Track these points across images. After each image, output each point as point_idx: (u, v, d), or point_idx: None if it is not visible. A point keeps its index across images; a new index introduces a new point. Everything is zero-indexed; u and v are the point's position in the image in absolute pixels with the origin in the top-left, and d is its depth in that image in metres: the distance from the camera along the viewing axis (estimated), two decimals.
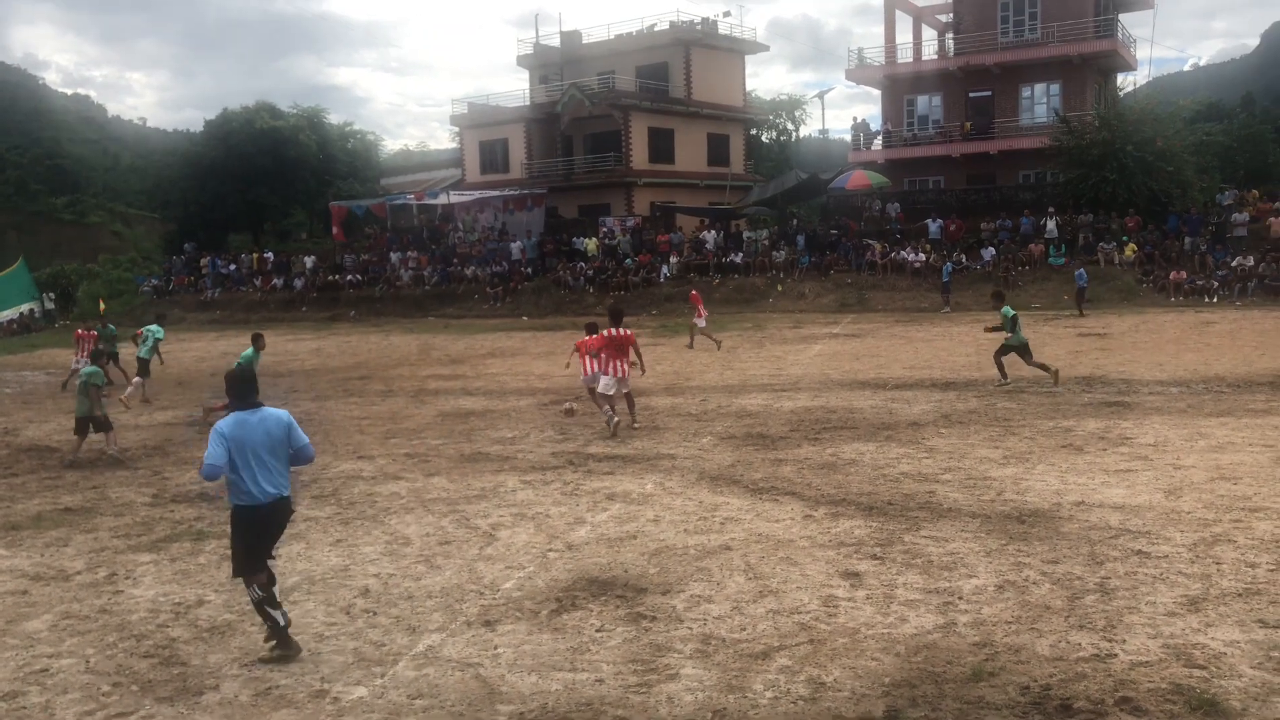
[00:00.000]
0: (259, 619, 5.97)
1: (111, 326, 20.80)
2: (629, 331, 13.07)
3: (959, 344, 21.68)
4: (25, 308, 47.89)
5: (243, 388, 6.02)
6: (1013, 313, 15.69)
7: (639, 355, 13.34)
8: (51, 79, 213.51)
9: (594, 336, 13.57)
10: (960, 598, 6.36)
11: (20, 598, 7.17)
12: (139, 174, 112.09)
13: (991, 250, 33.62)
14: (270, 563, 6.07)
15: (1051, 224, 33.58)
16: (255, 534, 5.95)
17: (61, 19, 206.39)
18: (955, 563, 7.05)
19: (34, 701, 5.40)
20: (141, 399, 17.83)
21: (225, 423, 5.87)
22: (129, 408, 16.89)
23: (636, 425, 13.07)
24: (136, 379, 18.17)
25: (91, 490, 10.75)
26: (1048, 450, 10.67)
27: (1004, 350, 15.61)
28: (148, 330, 18.89)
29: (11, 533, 9.02)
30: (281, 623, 5.83)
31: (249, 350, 14.90)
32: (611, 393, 12.77)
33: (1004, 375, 15.57)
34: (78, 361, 18.57)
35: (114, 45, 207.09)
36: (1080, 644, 5.56)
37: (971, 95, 41.10)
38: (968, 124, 40.62)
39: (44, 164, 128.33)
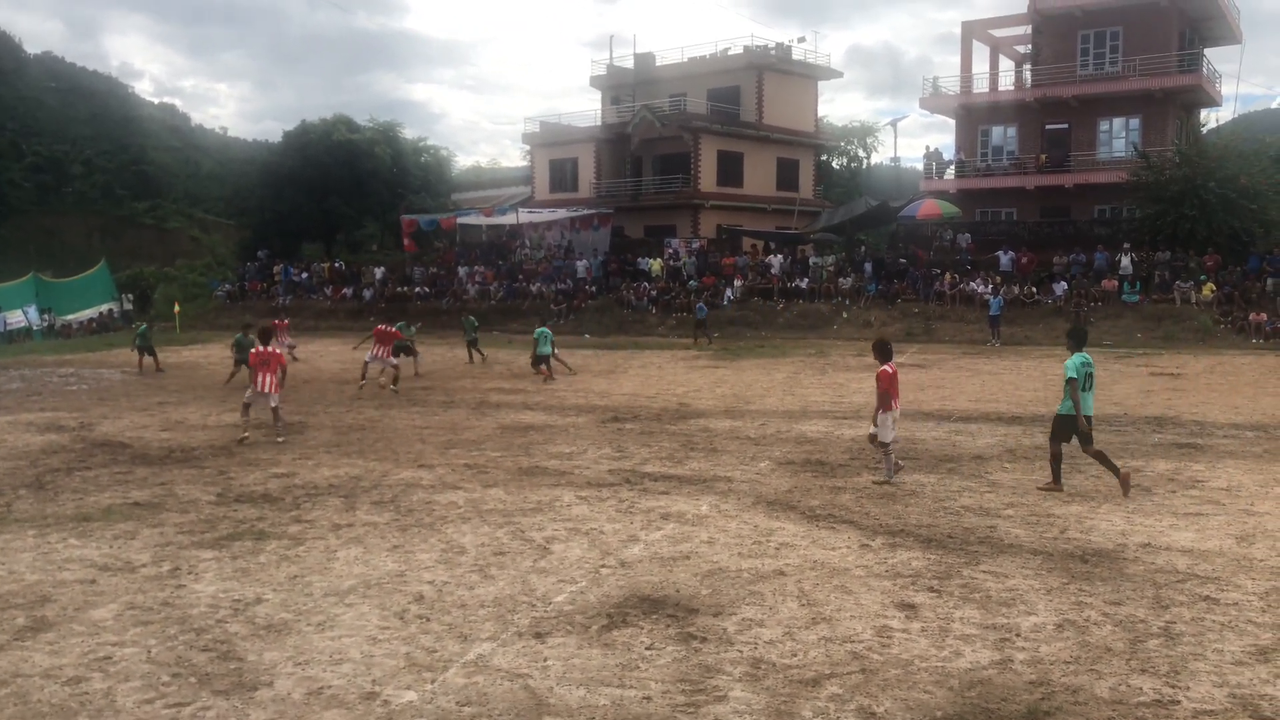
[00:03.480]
0: (314, 619, 6.08)
1: (413, 328, 25.29)
2: (278, 351, 14.69)
3: (1026, 378, 21.32)
4: (105, 307, 49.47)
5: None
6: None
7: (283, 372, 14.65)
8: (144, 88, 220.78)
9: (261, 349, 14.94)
10: (1018, 635, 6.23)
11: (89, 586, 7.36)
12: (218, 182, 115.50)
13: (1063, 284, 33.07)
14: None
15: (1126, 260, 32.93)
16: None
17: (153, 30, 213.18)
18: (1014, 599, 6.91)
19: (96, 688, 5.54)
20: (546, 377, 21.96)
21: None
22: (558, 377, 22.06)
23: (280, 439, 14.07)
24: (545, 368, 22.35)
25: (159, 486, 11.02)
26: (1115, 490, 10.41)
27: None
28: (540, 332, 22.45)
29: (83, 524, 9.28)
30: None
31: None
32: (252, 402, 14.36)
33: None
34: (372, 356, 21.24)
35: (201, 57, 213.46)
36: (1141, 688, 5.41)
37: (1048, 127, 40.60)
38: (1043, 156, 40.10)
39: (130, 170, 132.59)
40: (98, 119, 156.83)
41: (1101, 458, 10.22)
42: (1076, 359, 10.07)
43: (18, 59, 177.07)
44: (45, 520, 9.46)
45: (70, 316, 47.33)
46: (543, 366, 22.08)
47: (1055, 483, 10.41)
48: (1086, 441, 10.13)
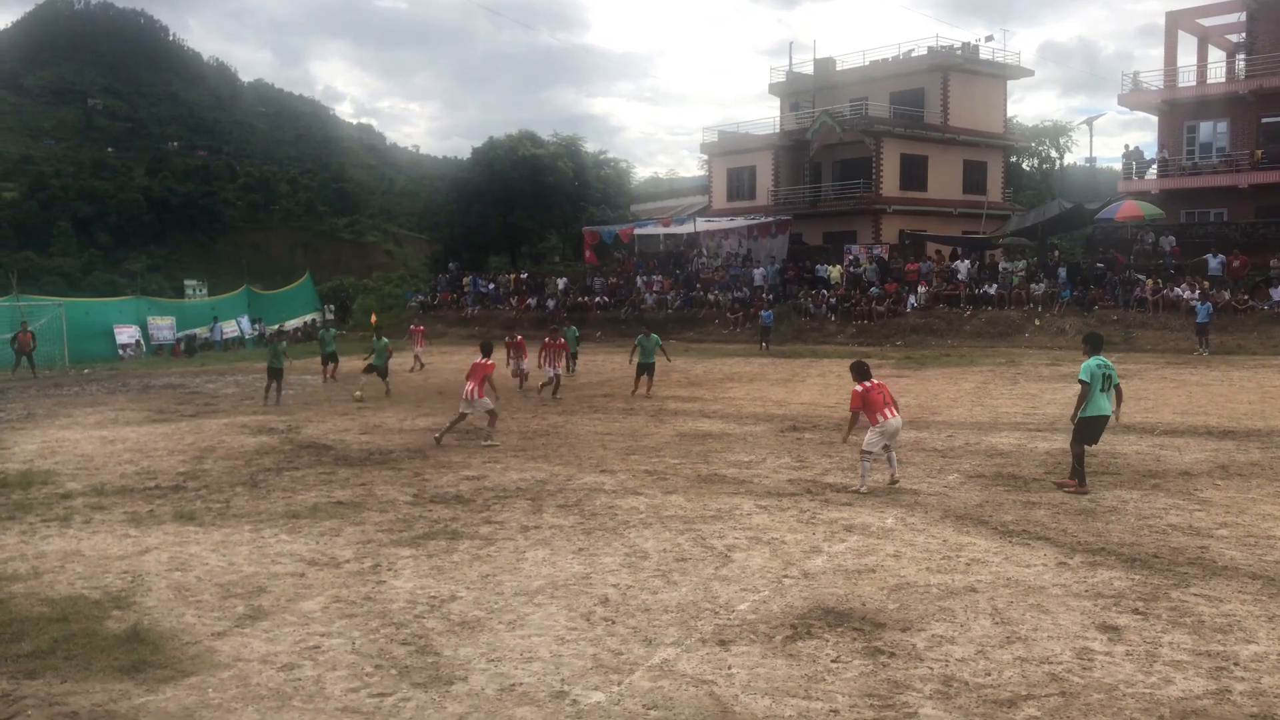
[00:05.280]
0: (505, 617, 6.30)
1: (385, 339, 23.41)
2: (491, 362, 15.15)
3: (1239, 389, 19.87)
4: (309, 317, 52.61)
5: None
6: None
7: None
8: (344, 110, 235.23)
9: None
10: (1236, 663, 5.80)
11: (299, 579, 7.84)
12: (410, 197, 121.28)
13: None
14: None
15: None
16: None
17: (352, 55, 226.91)
18: (1231, 625, 6.45)
19: (308, 674, 5.89)
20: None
21: None
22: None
23: (489, 443, 14.59)
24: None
25: (360, 487, 11.62)
26: None
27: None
28: (646, 340, 21.60)
29: (293, 520, 9.89)
30: None
31: None
32: (469, 412, 14.87)
33: None
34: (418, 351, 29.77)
35: (395, 79, 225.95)
36: None
37: (1264, 120, 37.73)
38: (1259, 152, 37.30)
39: (330, 187, 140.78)
40: (302, 140, 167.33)
41: (1079, 461, 10.73)
42: (1092, 362, 10.54)
43: (234, 87, 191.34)
44: (259, 516, 10.14)
45: (278, 326, 50.58)
46: (643, 378, 21.19)
47: (1080, 484, 10.67)
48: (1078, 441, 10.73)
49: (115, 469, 13.08)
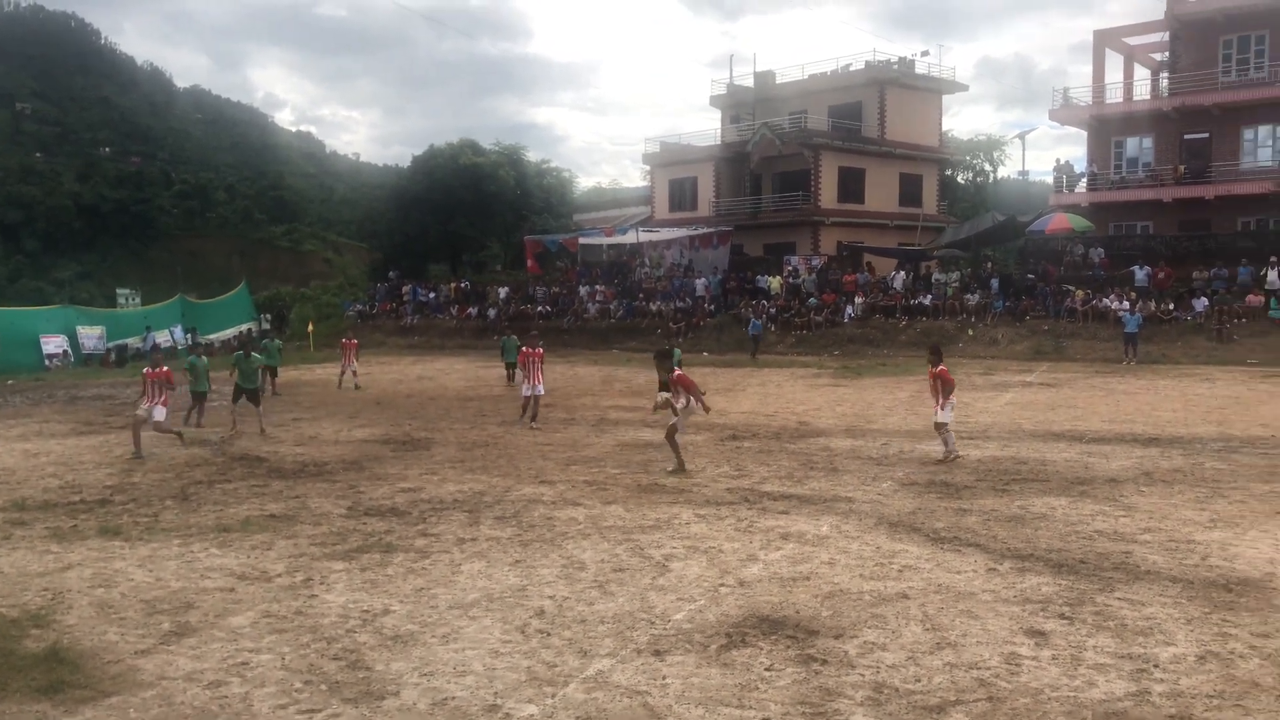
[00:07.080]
0: (439, 631, 6.24)
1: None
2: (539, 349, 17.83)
3: (1164, 398, 20.40)
4: (244, 327, 51.73)
5: None
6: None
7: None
8: (285, 117, 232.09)
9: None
10: (1156, 665, 5.95)
11: (228, 594, 7.69)
12: (350, 206, 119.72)
13: (1204, 301, 31.55)
14: None
15: (1273, 274, 31.21)
16: None
17: (291, 61, 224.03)
18: (1152, 628, 6.61)
19: (235, 692, 5.78)
20: None
21: None
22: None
23: (534, 425, 16.86)
24: None
25: (294, 499, 11.44)
26: (1261, 516, 9.87)
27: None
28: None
29: (223, 534, 9.71)
30: None
31: None
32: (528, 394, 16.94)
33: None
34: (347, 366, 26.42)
35: (336, 86, 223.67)
36: None
37: (1186, 137, 38.90)
38: (1181, 167, 38.43)
39: (268, 195, 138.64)
40: (239, 147, 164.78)
41: None
42: None
43: (169, 93, 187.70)
44: (189, 530, 9.93)
45: (213, 335, 49.68)
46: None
47: None
48: None
49: (38, 483, 12.74)
